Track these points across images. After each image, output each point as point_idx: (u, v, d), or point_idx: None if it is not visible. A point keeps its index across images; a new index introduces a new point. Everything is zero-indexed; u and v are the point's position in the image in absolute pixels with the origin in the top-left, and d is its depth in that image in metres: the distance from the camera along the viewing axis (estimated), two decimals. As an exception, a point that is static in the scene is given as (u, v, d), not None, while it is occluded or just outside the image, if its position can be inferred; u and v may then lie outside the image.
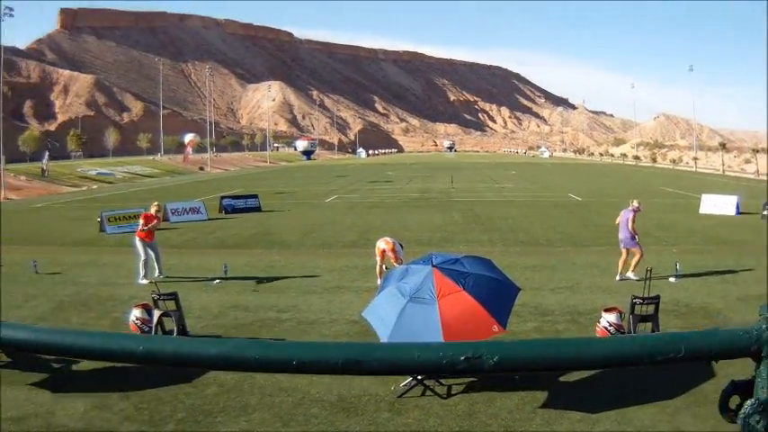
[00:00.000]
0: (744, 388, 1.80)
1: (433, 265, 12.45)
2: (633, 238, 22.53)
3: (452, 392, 12.64)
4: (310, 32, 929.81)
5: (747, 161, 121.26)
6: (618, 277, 22.48)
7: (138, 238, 23.07)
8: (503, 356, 1.64)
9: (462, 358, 1.62)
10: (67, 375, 13.59)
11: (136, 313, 15.34)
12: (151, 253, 23.13)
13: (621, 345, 1.79)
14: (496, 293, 12.39)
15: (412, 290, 11.97)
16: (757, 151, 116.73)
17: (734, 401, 1.80)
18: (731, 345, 1.74)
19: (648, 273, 18.05)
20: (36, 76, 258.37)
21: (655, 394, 12.29)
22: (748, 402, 1.74)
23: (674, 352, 1.73)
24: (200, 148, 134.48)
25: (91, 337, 2.01)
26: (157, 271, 23.11)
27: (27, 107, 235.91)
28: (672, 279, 22.23)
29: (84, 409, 11.80)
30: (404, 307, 11.73)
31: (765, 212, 40.74)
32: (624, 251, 22.68)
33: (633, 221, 22.64)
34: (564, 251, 29.06)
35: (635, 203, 23.32)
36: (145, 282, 22.04)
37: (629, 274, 22.36)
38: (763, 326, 1.73)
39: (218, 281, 22.41)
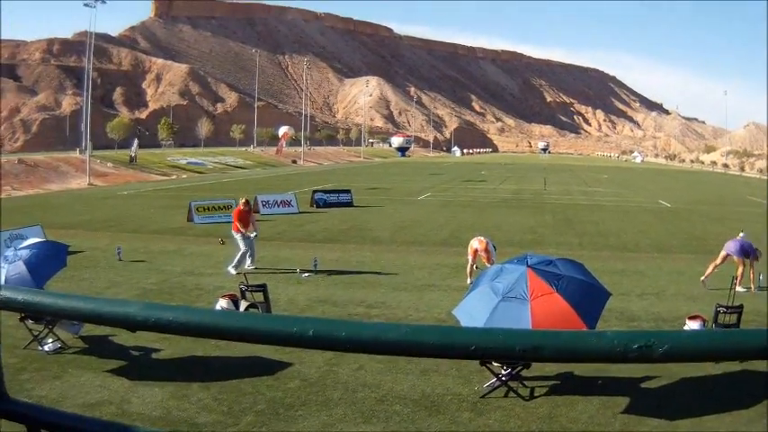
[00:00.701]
0: None
1: (528, 266, 12.30)
2: (740, 253, 21.85)
3: (535, 395, 12.52)
4: (410, 28, 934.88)
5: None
6: (703, 278, 21.98)
7: (233, 232, 23.37)
8: (673, 345, 1.61)
9: (635, 346, 1.58)
10: (146, 363, 13.65)
11: (222, 304, 15.35)
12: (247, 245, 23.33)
13: (745, 336, 1.65)
14: (588, 297, 12.26)
15: (505, 289, 11.86)
16: None
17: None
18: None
19: (733, 282, 17.70)
20: (128, 64, 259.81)
21: (731, 403, 12.13)
22: None
23: (736, 351, 1.63)
24: (294, 141, 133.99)
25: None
26: (249, 261, 23.27)
27: (117, 94, 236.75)
28: (754, 290, 21.87)
29: (162, 398, 11.85)
30: (496, 306, 11.64)
31: None
32: (722, 258, 21.97)
33: (752, 267, 22.03)
34: (652, 257, 28.75)
35: (759, 251, 22.60)
36: (233, 272, 22.24)
37: (739, 288, 21.85)
38: None
39: (307, 274, 22.36)
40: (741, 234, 23.26)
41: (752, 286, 21.51)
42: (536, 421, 11.50)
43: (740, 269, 21.80)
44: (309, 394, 12.17)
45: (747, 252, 22.04)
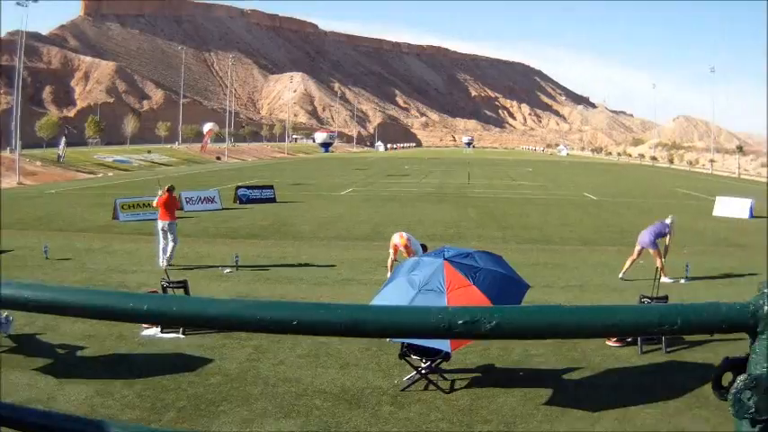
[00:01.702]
0: (738, 365, 1.77)
1: (445, 259, 12.33)
2: (656, 244, 22.24)
3: (455, 387, 12.63)
4: (336, 24, 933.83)
5: (764, 165, 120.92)
6: (621, 274, 22.36)
7: (160, 221, 23.38)
8: (500, 321, 1.65)
9: (460, 322, 1.63)
10: (72, 361, 13.60)
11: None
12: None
13: (621, 313, 1.72)
14: (506, 289, 12.32)
15: (422, 282, 11.89)
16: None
17: (727, 379, 1.76)
18: (727, 318, 1.74)
19: (657, 273, 17.98)
20: (57, 62, 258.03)
21: (656, 394, 12.33)
22: (740, 378, 1.72)
23: (669, 323, 1.72)
24: (218, 138, 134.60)
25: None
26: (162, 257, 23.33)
27: (46, 93, 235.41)
28: (682, 280, 22.24)
29: (87, 395, 11.80)
30: (412, 298, 11.62)
31: (780, 216, 40.72)
32: (637, 252, 22.40)
33: (669, 241, 22.54)
34: (576, 250, 29.13)
35: (669, 220, 22.95)
36: (164, 264, 22.35)
37: (664, 279, 22.17)
38: (761, 300, 1.72)
39: (228, 270, 22.45)
40: (669, 218, 23.54)
41: (665, 251, 21.92)
42: (457, 414, 11.58)
43: (657, 261, 22.08)
44: (230, 389, 12.22)
45: (661, 234, 22.33)
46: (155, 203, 24.31)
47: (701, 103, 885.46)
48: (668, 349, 14.74)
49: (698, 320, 1.76)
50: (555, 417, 11.42)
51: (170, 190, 24.07)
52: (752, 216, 43.31)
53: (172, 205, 23.68)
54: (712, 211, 44.56)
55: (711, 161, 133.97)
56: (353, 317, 1.68)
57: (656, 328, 1.72)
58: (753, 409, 1.69)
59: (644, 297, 15.83)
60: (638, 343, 14.85)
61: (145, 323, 13.02)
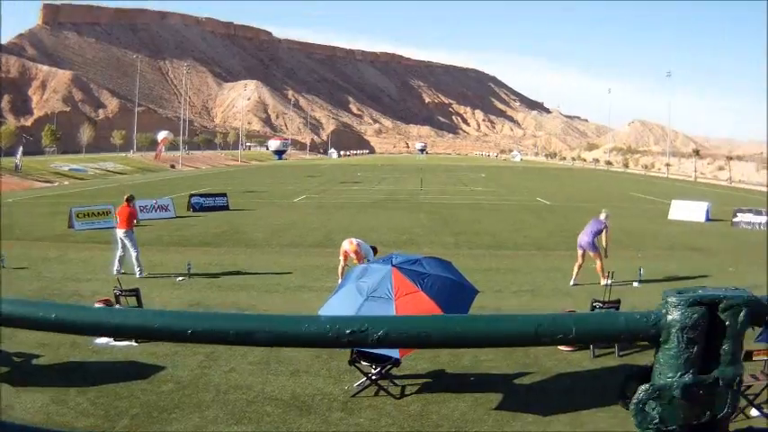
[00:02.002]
0: (643, 374, 1.78)
1: (393, 265, 12.45)
2: (595, 245, 22.46)
3: (406, 393, 12.69)
4: (290, 32, 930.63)
5: (721, 168, 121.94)
6: (572, 282, 22.53)
7: (120, 230, 23.30)
8: (389, 330, 1.67)
9: (348, 332, 1.66)
10: (28, 370, 13.57)
11: (97, 308, 15.23)
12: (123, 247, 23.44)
13: (510, 322, 1.78)
14: (454, 295, 12.41)
15: (370, 288, 11.99)
16: (731, 158, 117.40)
17: (634, 389, 1.80)
18: (627, 328, 1.76)
19: (610, 276, 18.18)
20: (15, 71, 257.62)
21: (609, 398, 11.81)
22: (642, 388, 1.74)
23: (563, 333, 1.74)
24: (172, 146, 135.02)
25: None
26: (117, 266, 23.29)
27: (4, 102, 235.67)
28: (635, 284, 22.33)
29: (43, 404, 11.82)
30: (360, 305, 11.72)
31: (736, 219, 41.16)
32: (580, 256, 22.63)
33: (606, 237, 22.65)
34: (529, 255, 29.35)
35: (603, 215, 23.27)
36: (143, 274, 22.67)
37: (603, 281, 22.33)
38: (663, 310, 1.74)
39: (180, 278, 22.50)
40: (603, 213, 23.67)
41: (605, 250, 22.15)
42: (407, 419, 11.63)
43: (597, 263, 22.38)
44: (182, 397, 12.25)
45: (599, 231, 22.52)
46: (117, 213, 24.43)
47: (657, 108, 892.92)
48: (621, 353, 14.81)
49: (595, 330, 1.80)
50: (506, 421, 11.50)
51: (129, 200, 24.13)
52: (708, 219, 43.68)
53: (129, 215, 23.61)
54: (668, 214, 44.97)
55: (667, 165, 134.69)
56: (244, 326, 1.72)
57: (550, 338, 1.74)
58: (657, 420, 1.74)
59: (596, 301, 15.79)
60: (591, 347, 14.84)
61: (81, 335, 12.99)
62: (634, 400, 1.73)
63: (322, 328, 1.69)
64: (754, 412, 11.64)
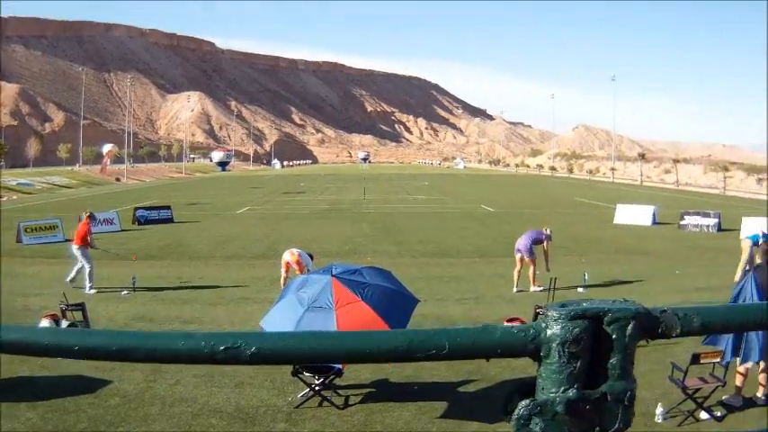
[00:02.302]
0: (528, 389, 1.75)
1: (333, 275, 12.46)
2: (532, 251, 22.66)
3: (350, 403, 12.70)
4: (233, 42, 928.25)
5: (667, 171, 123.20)
6: (515, 289, 22.63)
7: (77, 246, 23.45)
8: (261, 346, 1.67)
9: (222, 348, 1.65)
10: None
11: (44, 323, 15.15)
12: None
13: (381, 338, 1.76)
14: (394, 304, 12.48)
15: (310, 299, 11.99)
16: (678, 161, 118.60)
17: (517, 404, 1.73)
18: (503, 343, 1.73)
19: (552, 282, 18.32)
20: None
21: None
22: (523, 403, 1.70)
23: (436, 348, 1.70)
24: (117, 159, 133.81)
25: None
26: (72, 279, 23.36)
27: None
28: (580, 289, 22.44)
29: (-7, 420, 11.80)
30: (301, 316, 11.74)
31: (683, 222, 41.64)
32: (519, 261, 22.79)
33: (547, 249, 22.95)
34: (472, 262, 29.57)
35: (548, 231, 23.52)
36: (93, 291, 22.64)
37: (533, 288, 22.50)
38: (543, 324, 1.72)
39: (125, 292, 22.51)
40: (547, 229, 23.82)
41: (546, 265, 22.30)
42: (351, 429, 11.58)
43: (531, 268, 22.59)
44: (129, 410, 12.11)
45: (537, 240, 22.82)
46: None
47: (601, 112, 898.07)
48: None
49: (469, 346, 1.75)
50: (451, 429, 11.46)
51: (89, 217, 24.55)
52: (655, 223, 44.14)
53: (86, 233, 23.67)
54: (613, 219, 45.37)
55: (612, 169, 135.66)
56: (126, 343, 1.71)
57: (424, 354, 1.72)
58: None
59: (539, 308, 15.57)
60: None
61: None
62: (515, 416, 1.71)
63: (197, 345, 1.68)
64: (704, 415, 11.75)
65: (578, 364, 1.69)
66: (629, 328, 1.73)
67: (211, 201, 66.71)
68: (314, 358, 1.82)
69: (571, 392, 1.68)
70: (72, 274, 23.30)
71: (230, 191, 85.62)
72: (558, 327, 1.69)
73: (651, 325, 1.78)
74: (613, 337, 1.72)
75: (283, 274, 21.36)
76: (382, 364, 10.99)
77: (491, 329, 1.74)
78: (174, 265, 28.27)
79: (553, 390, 1.69)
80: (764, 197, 75.23)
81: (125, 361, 1.71)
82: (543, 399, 1.69)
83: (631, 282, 24.37)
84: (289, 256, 21.42)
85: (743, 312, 1.99)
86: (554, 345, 1.69)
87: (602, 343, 1.72)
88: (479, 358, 1.75)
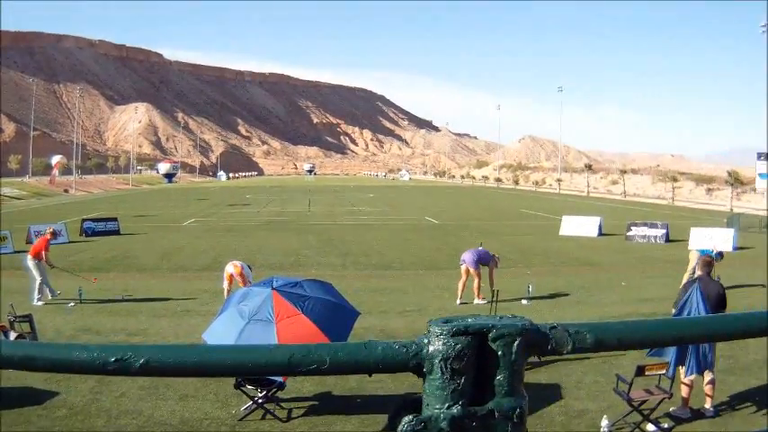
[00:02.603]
0: (415, 405, 1.75)
1: (273, 288, 12.48)
2: (477, 264, 22.67)
3: (293, 416, 12.78)
4: (181, 54, 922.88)
5: (615, 182, 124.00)
6: (458, 301, 22.66)
7: (32, 258, 23.46)
8: (149, 359, 1.69)
9: (113, 359, 1.68)
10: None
11: (-8, 335, 15.05)
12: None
13: (263, 352, 1.78)
14: (335, 317, 12.51)
15: (251, 312, 11.99)
16: (625, 172, 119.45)
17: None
18: (384, 359, 1.73)
19: (495, 295, 18.40)
20: None
21: None
22: (406, 419, 1.71)
23: (317, 363, 1.71)
24: (66, 170, 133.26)
25: None
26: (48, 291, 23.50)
27: None
28: (524, 301, 22.66)
29: (-59, 433, 11.67)
30: (242, 329, 11.73)
31: (630, 233, 41.94)
32: (464, 272, 22.76)
33: (493, 271, 22.92)
34: (416, 274, 29.55)
35: (497, 256, 23.60)
36: (40, 303, 22.62)
37: (477, 300, 22.55)
38: (425, 340, 1.73)
39: (72, 304, 22.50)
40: (480, 246, 24.10)
41: (494, 294, 22.33)
42: (296, 442, 11.55)
43: (477, 281, 22.63)
44: (75, 422, 12.17)
45: (485, 260, 22.83)
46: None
47: (548, 123, 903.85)
48: None
49: (350, 361, 1.75)
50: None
51: (51, 234, 25.28)
52: (601, 234, 44.36)
53: (41, 247, 23.73)
54: (559, 230, 45.60)
55: (558, 180, 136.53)
56: (28, 353, 1.73)
57: (305, 368, 1.72)
58: None
59: None
60: None
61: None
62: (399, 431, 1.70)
63: (90, 356, 1.69)
64: (650, 427, 11.87)
65: (462, 380, 1.71)
66: (516, 344, 1.73)
67: (158, 213, 66.43)
68: (199, 372, 1.79)
69: (455, 409, 1.70)
70: (35, 293, 23.09)
71: (176, 203, 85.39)
72: (440, 343, 1.71)
73: (540, 341, 1.79)
74: (499, 353, 1.73)
75: (226, 286, 21.32)
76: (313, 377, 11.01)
77: (372, 345, 1.76)
78: (121, 277, 28.17)
79: (437, 406, 1.71)
80: (714, 207, 76.28)
81: (26, 370, 1.74)
82: (428, 415, 1.71)
83: (579, 293, 24.57)
84: (232, 268, 21.40)
85: (640, 329, 1.98)
86: (436, 361, 1.71)
87: (488, 359, 1.73)
88: (361, 373, 1.78)
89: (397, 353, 1.73)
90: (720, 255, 23.44)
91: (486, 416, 1.71)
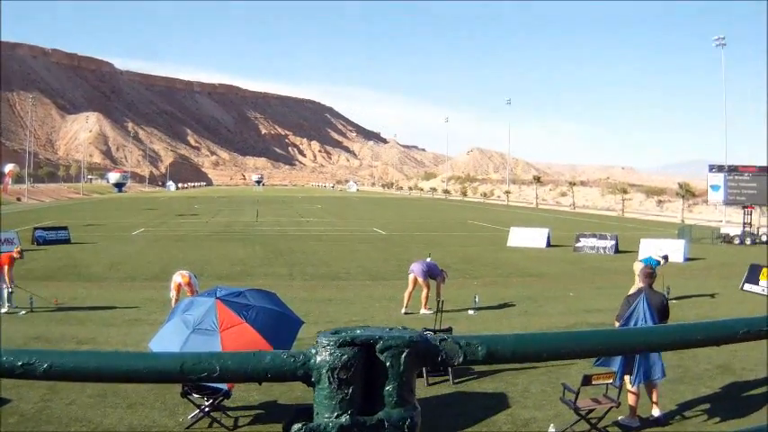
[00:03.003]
0: (307, 414, 1.79)
1: (217, 298, 12.46)
2: (426, 275, 22.70)
3: (239, 424, 12.90)
4: (132, 63, 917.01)
5: (563, 194, 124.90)
6: (403, 310, 22.86)
7: None
8: (52, 363, 1.69)
9: (19, 363, 1.69)
10: None
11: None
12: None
13: (155, 359, 1.83)
14: (279, 326, 12.51)
15: (196, 321, 11.98)
16: (574, 184, 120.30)
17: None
18: (274, 368, 1.76)
19: (440, 305, 18.46)
20: None
21: (444, 427, 12.46)
22: (295, 427, 1.74)
23: (207, 371, 1.74)
24: (18, 179, 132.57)
25: None
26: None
27: None
28: (470, 312, 22.72)
29: None
30: (187, 338, 11.71)
31: (579, 244, 42.21)
32: (411, 282, 22.84)
33: (441, 285, 22.87)
34: (363, 284, 29.59)
35: (445, 273, 23.56)
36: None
37: (423, 311, 22.68)
38: (313, 350, 1.76)
39: (23, 312, 22.59)
40: (428, 258, 24.18)
41: (439, 304, 21.73)
42: (242, 451, 11.55)
43: (425, 291, 22.72)
44: (26, 429, 12.15)
45: (433, 273, 22.83)
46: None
47: (497, 135, 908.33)
48: (456, 380, 14.94)
49: (239, 369, 1.78)
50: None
51: (18, 252, 25.01)
52: (549, 245, 44.63)
53: (5, 264, 23.60)
54: (507, 241, 45.84)
55: (507, 192, 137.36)
56: None
57: (196, 376, 1.74)
58: None
59: (426, 330, 14.81)
60: (424, 374, 14.88)
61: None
62: None
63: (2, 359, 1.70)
64: None
65: (351, 390, 1.75)
66: (404, 356, 1.77)
67: (107, 222, 66.28)
68: (97, 377, 1.76)
69: (344, 418, 1.74)
70: (4, 304, 23.17)
71: (126, 212, 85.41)
72: (327, 353, 1.76)
73: (429, 353, 1.82)
74: (387, 364, 1.77)
75: (174, 295, 21.23)
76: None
77: (261, 354, 1.79)
78: (71, 287, 28.04)
79: (327, 415, 1.74)
80: (665, 219, 77.06)
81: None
82: (317, 424, 1.74)
83: (525, 304, 24.79)
84: (179, 277, 21.31)
85: (535, 342, 2.00)
86: (324, 371, 1.75)
87: (377, 370, 1.77)
88: (251, 381, 1.83)
89: (286, 362, 1.77)
90: (665, 258, 23.80)
91: (376, 426, 1.76)
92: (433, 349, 1.82)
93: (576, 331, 2.05)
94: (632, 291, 21.68)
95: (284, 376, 1.77)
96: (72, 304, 23.95)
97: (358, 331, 1.79)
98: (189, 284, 20.97)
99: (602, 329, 2.11)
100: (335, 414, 1.73)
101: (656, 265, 22.40)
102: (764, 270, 28.22)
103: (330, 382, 1.74)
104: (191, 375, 1.75)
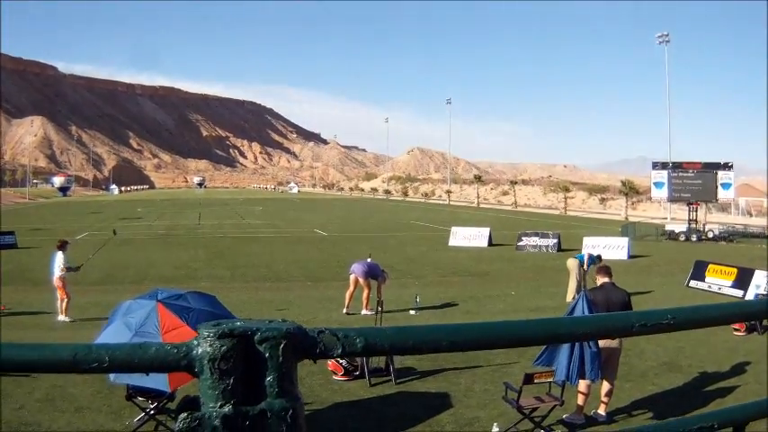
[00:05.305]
0: (196, 403, 1.84)
1: (158, 300, 12.21)
2: (365, 275, 22.81)
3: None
4: (75, 67, 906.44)
5: (505, 193, 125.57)
6: (345, 311, 23.02)
7: None
8: None
9: None
10: None
11: None
12: None
13: (51, 350, 1.82)
14: None
15: (137, 324, 11.67)
16: (515, 183, 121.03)
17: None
18: (158, 359, 1.80)
19: (380, 305, 18.44)
20: None
21: (387, 426, 12.67)
22: (182, 416, 1.76)
23: (98, 361, 1.77)
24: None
25: None
26: None
27: None
28: (412, 312, 22.93)
29: None
30: (129, 341, 11.00)
31: (521, 243, 42.39)
32: (353, 282, 22.96)
33: (382, 285, 22.76)
34: (304, 286, 29.93)
35: (386, 272, 23.59)
36: None
37: (364, 311, 22.88)
38: (195, 342, 1.80)
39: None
40: (369, 258, 24.21)
41: (379, 304, 22.34)
42: (187, 453, 11.60)
43: (366, 291, 22.89)
44: (-28, 432, 11.88)
45: (374, 274, 22.90)
46: None
47: (438, 135, 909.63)
48: (398, 380, 14.95)
49: (126, 360, 1.83)
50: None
51: None
52: (491, 244, 44.79)
53: None
54: (448, 241, 45.94)
55: (448, 192, 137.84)
56: None
57: (88, 366, 1.78)
58: None
59: None
60: (366, 375, 15.02)
61: None
62: (176, 429, 1.77)
63: None
64: None
65: (232, 380, 1.80)
66: (282, 347, 1.83)
67: (53, 226, 66.21)
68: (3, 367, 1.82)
69: (227, 408, 1.79)
70: None
71: (71, 216, 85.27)
72: (207, 344, 1.80)
73: (307, 345, 1.89)
74: (266, 355, 1.82)
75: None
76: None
77: (146, 346, 1.83)
78: (18, 291, 28.22)
79: (211, 405, 1.79)
80: (608, 217, 77.76)
81: None
82: (202, 413, 1.79)
83: (467, 303, 25.02)
84: None
85: (413, 335, 2.06)
86: (205, 361, 1.80)
87: (257, 362, 1.83)
88: (139, 372, 1.88)
89: (169, 353, 1.82)
90: (599, 258, 23.91)
91: (259, 416, 1.80)
92: (311, 341, 1.89)
93: (455, 324, 2.10)
94: (571, 287, 21.87)
95: (168, 366, 1.86)
96: (18, 309, 24.12)
97: (238, 323, 1.85)
98: None
99: (483, 322, 2.17)
100: (219, 404, 1.79)
101: (592, 261, 22.66)
102: (711, 266, 28.55)
103: (212, 373, 1.80)
104: (83, 365, 1.80)
